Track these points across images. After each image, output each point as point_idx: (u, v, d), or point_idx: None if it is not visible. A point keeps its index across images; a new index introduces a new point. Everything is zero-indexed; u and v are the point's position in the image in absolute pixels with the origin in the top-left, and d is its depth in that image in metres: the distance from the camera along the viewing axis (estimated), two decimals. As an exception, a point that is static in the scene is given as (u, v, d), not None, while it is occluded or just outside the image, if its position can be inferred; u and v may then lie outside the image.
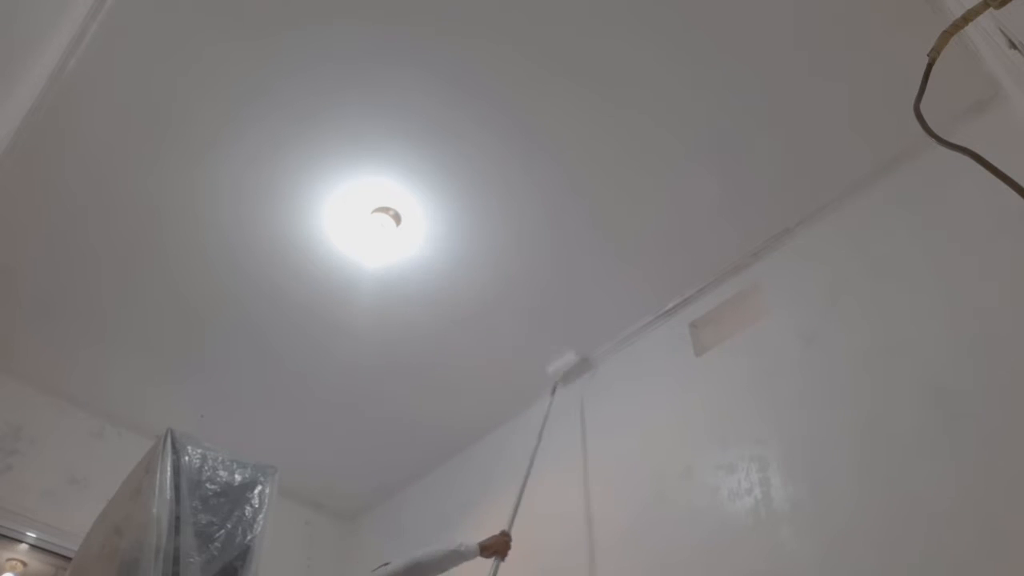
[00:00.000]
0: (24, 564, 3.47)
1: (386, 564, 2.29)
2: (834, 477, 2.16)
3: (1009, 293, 2.00)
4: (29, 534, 3.31)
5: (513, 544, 2.62)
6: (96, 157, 2.58)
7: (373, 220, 2.72)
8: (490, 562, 2.54)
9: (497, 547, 2.54)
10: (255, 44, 2.25)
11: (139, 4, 2.17)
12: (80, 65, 2.30)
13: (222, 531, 2.24)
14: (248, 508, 2.34)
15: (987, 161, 0.96)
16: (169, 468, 2.21)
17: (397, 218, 2.73)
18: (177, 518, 2.14)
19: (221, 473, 2.34)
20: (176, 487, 2.20)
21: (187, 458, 2.28)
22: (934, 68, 1.02)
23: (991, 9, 0.96)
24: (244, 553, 2.25)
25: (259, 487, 2.41)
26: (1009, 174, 0.93)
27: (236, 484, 2.36)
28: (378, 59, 2.26)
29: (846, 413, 2.22)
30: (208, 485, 2.29)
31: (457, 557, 2.37)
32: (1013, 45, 1.21)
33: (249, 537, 2.29)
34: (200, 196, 2.70)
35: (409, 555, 2.29)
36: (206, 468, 2.32)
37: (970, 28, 1.07)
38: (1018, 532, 1.73)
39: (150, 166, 2.60)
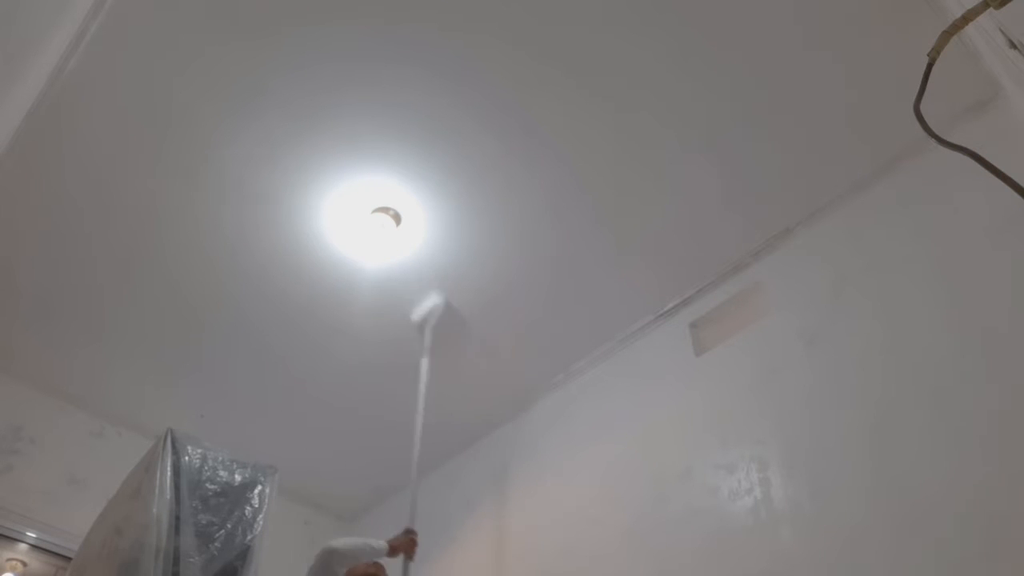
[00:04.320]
0: (24, 564, 3.47)
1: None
2: (835, 477, 2.15)
3: (1009, 293, 2.00)
4: (29, 534, 3.31)
5: (513, 546, 2.62)
6: (96, 157, 2.58)
7: (373, 220, 2.72)
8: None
9: (402, 546, 2.58)
10: (255, 43, 2.25)
11: (139, 4, 2.17)
12: (80, 65, 2.30)
13: (222, 531, 2.24)
14: (248, 508, 2.35)
15: (987, 161, 0.96)
16: (169, 468, 2.21)
17: (397, 218, 2.73)
18: (177, 518, 2.15)
19: (221, 473, 2.35)
20: (176, 487, 2.20)
21: (187, 458, 2.28)
22: (934, 68, 1.02)
23: (991, 9, 0.96)
24: (244, 553, 2.25)
25: (259, 487, 2.42)
26: (1009, 174, 0.93)
27: (236, 484, 2.36)
28: (378, 58, 2.26)
29: (847, 413, 2.22)
30: (208, 485, 2.29)
31: (369, 551, 2.42)
32: (1013, 45, 1.21)
33: (249, 537, 2.29)
34: (199, 196, 2.70)
35: (326, 543, 2.34)
36: (206, 468, 2.32)
37: (970, 28, 1.07)
38: (1020, 533, 1.73)
39: (149, 166, 2.60)
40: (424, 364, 3.04)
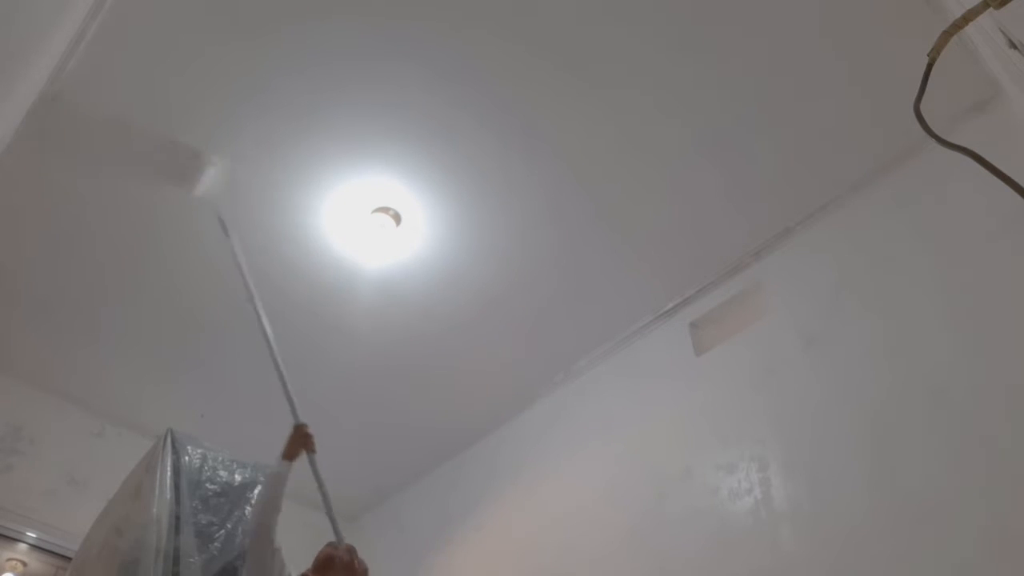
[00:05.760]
0: (24, 564, 3.47)
1: None
2: (834, 477, 2.15)
3: (1009, 293, 2.00)
4: (29, 534, 3.31)
5: (513, 546, 2.61)
6: (96, 156, 2.57)
7: (373, 220, 2.72)
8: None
9: (299, 443, 2.34)
10: (254, 42, 2.25)
11: (139, 4, 2.17)
12: (80, 65, 2.30)
13: (222, 531, 2.24)
14: (248, 508, 2.34)
15: (987, 161, 0.96)
16: (169, 468, 2.21)
17: (397, 218, 2.73)
18: (177, 518, 2.14)
19: (221, 473, 2.34)
20: (176, 487, 2.20)
21: (187, 458, 2.28)
22: (934, 68, 1.02)
23: (991, 9, 0.96)
24: (244, 553, 2.25)
25: (259, 487, 2.41)
26: (1009, 174, 0.93)
27: (236, 484, 2.36)
28: (378, 56, 2.26)
29: (846, 413, 2.22)
30: (208, 485, 2.29)
31: (272, 486, 2.18)
32: (1013, 45, 1.21)
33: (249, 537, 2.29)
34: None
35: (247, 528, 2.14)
36: (206, 468, 2.32)
37: (970, 28, 1.06)
38: (1019, 532, 1.73)
39: (149, 165, 2.60)
40: (236, 244, 2.56)
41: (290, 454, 2.28)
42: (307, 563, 2.31)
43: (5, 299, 3.11)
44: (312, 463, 2.30)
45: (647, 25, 2.17)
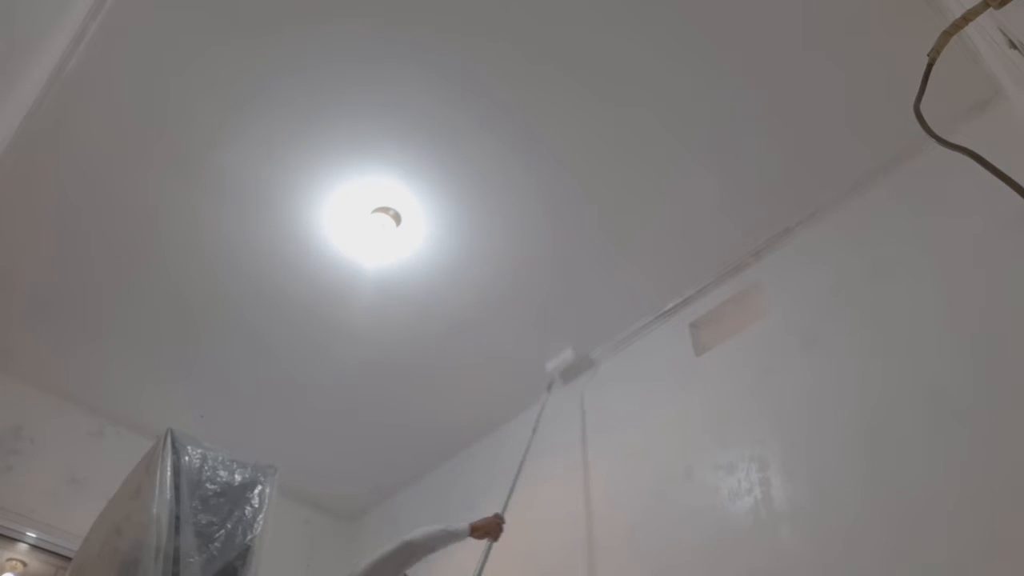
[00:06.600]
0: (24, 564, 3.47)
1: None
2: (834, 477, 2.15)
3: (1009, 293, 1.99)
4: (29, 534, 3.31)
5: (512, 545, 2.61)
6: (96, 156, 2.58)
7: (373, 220, 2.72)
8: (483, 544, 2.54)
9: (489, 528, 2.52)
10: (255, 43, 2.25)
11: (139, 4, 2.17)
12: (80, 65, 2.30)
13: (222, 531, 2.24)
14: (248, 508, 2.34)
15: (987, 161, 0.96)
16: (169, 468, 2.21)
17: (397, 218, 2.73)
18: (177, 518, 2.14)
19: (221, 473, 2.34)
20: (176, 487, 2.20)
21: (187, 458, 2.28)
22: (934, 68, 1.02)
23: (991, 9, 0.96)
24: (244, 553, 2.25)
25: (259, 487, 2.42)
26: (1009, 174, 0.93)
27: (236, 484, 2.36)
28: (378, 58, 2.26)
29: (846, 413, 2.22)
30: (208, 485, 2.29)
31: (448, 537, 2.35)
32: (1013, 45, 1.21)
33: (249, 537, 2.29)
34: (199, 195, 2.70)
35: (399, 537, 2.26)
36: (206, 468, 2.32)
37: (970, 28, 1.07)
38: (1018, 532, 1.73)
39: (149, 165, 2.60)
40: (545, 399, 3.26)
41: (480, 533, 2.50)
42: (304, 558, 2.31)
43: (5, 299, 3.11)
44: (488, 550, 2.54)
45: (646, 29, 2.17)
